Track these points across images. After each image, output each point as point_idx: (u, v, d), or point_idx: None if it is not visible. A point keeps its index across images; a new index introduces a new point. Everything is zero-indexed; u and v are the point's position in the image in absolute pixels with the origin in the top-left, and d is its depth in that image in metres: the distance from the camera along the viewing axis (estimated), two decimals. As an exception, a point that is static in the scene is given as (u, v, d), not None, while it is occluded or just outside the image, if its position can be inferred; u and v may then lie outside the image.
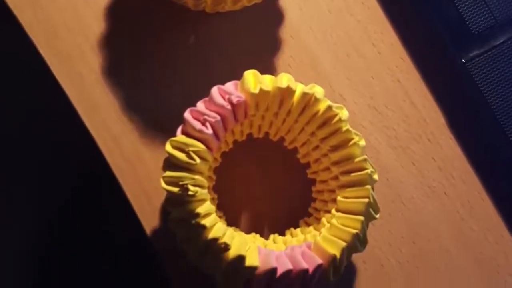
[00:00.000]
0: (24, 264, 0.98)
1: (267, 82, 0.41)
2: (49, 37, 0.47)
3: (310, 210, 0.46)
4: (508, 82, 0.48)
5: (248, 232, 0.44)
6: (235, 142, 0.46)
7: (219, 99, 0.39)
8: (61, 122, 0.81)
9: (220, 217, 0.42)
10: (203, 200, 0.38)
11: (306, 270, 0.38)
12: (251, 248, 0.39)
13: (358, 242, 0.41)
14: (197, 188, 0.37)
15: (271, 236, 0.44)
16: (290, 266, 0.38)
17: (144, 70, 0.48)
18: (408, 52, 0.50)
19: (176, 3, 0.46)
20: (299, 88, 0.41)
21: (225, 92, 0.40)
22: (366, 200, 0.40)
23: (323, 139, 0.42)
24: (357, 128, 0.48)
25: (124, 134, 0.46)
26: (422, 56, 0.50)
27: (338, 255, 0.39)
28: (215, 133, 0.39)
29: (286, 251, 0.40)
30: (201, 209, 0.37)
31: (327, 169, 0.44)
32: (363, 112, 0.49)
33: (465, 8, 0.48)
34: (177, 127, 0.40)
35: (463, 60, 0.48)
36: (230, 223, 0.44)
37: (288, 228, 0.45)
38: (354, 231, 0.40)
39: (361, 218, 0.40)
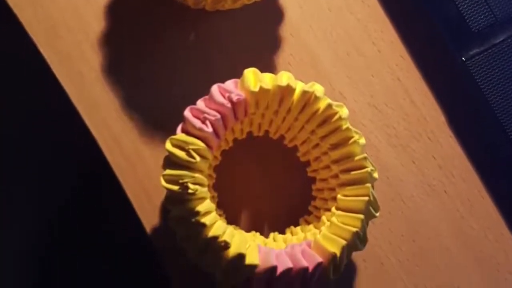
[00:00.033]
0: (24, 263, 0.98)
1: (267, 80, 0.41)
2: (49, 35, 0.47)
3: (310, 208, 0.46)
4: (508, 80, 0.48)
5: (248, 230, 0.44)
6: (235, 140, 0.46)
7: (219, 97, 0.39)
8: (61, 120, 0.81)
9: (220, 215, 0.42)
10: (203, 198, 0.38)
11: (306, 269, 0.38)
12: (251, 246, 0.39)
13: (358, 241, 0.41)
14: (197, 186, 0.37)
15: (271, 234, 0.44)
16: (290, 265, 0.38)
17: (144, 69, 0.48)
18: (408, 51, 0.50)
19: (176, 1, 0.46)
20: (299, 86, 0.41)
21: (225, 90, 0.40)
22: (366, 198, 0.40)
23: (323, 137, 0.42)
24: (357, 126, 0.48)
25: (124, 133, 0.46)
26: (422, 54, 0.50)
27: (338, 254, 0.39)
28: (215, 131, 0.39)
29: (286, 249, 0.40)
30: (201, 207, 0.37)
31: (327, 167, 0.44)
32: (363, 110, 0.49)
33: (465, 6, 0.48)
34: (177, 126, 0.40)
35: (463, 58, 0.48)
36: (230, 221, 0.44)
37: (288, 226, 0.45)
38: (354, 229, 0.40)
39: (361, 216, 0.40)
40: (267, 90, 0.40)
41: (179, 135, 0.39)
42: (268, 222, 0.46)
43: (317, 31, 0.49)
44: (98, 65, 0.47)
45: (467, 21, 0.48)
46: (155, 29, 0.48)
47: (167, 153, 0.39)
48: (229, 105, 0.39)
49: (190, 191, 0.37)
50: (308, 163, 0.46)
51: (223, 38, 0.48)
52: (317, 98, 0.41)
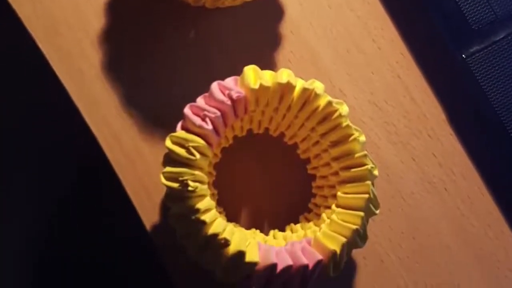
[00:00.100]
0: (24, 260, 0.98)
1: (267, 77, 0.41)
2: (49, 32, 0.47)
3: (310, 205, 0.46)
4: (508, 77, 0.48)
5: (248, 228, 0.44)
6: (235, 137, 0.46)
7: (219, 95, 0.39)
8: (61, 118, 0.81)
9: (220, 212, 0.42)
10: (203, 196, 0.38)
11: (306, 266, 0.38)
12: (251, 244, 0.39)
13: (358, 238, 0.41)
14: (197, 184, 0.37)
15: (271, 232, 0.44)
16: (290, 262, 0.38)
17: (144, 66, 0.47)
18: (408, 48, 0.50)
19: (176, -2, 0.46)
20: (299, 84, 0.41)
21: (225, 88, 0.40)
22: (366, 195, 0.40)
23: (323, 135, 0.42)
24: (357, 123, 0.48)
25: (124, 130, 0.46)
26: (422, 51, 0.50)
27: (338, 251, 0.39)
28: (215, 128, 0.39)
29: (286, 246, 0.40)
30: (201, 205, 0.37)
31: (327, 164, 0.43)
32: (363, 108, 0.49)
33: (466, 3, 0.48)
34: (177, 123, 0.40)
35: (463, 56, 0.48)
36: (230, 219, 0.44)
37: (288, 223, 0.45)
38: (354, 226, 0.40)
39: (361, 213, 0.40)
40: (267, 88, 0.40)
41: (179, 132, 0.39)
42: (268, 220, 0.46)
43: (317, 28, 0.49)
44: (98, 63, 0.47)
45: (467, 18, 0.48)
46: (155, 26, 0.48)
47: (167, 151, 0.39)
48: (229, 102, 0.39)
49: (190, 188, 0.37)
50: (308, 161, 0.46)
51: (223, 35, 0.48)
52: (317, 96, 0.41)
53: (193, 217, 0.37)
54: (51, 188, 0.98)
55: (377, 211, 0.42)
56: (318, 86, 0.41)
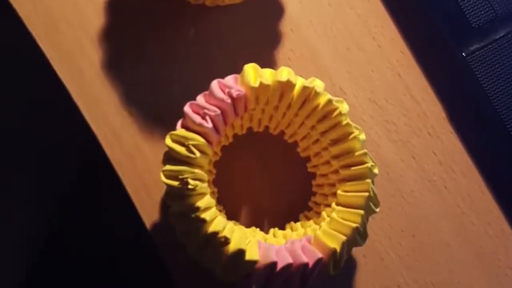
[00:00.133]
0: (24, 260, 0.98)
1: (267, 75, 0.41)
2: (49, 31, 0.47)
3: (310, 204, 0.46)
4: (508, 75, 0.48)
5: (248, 226, 0.44)
6: (235, 136, 0.46)
7: (219, 93, 0.39)
8: (61, 117, 0.81)
9: (220, 211, 0.42)
10: (203, 194, 0.38)
11: (306, 264, 0.38)
12: (251, 242, 0.39)
13: (358, 236, 0.41)
14: (197, 182, 0.37)
15: (271, 230, 0.44)
16: (290, 260, 0.38)
17: (144, 64, 0.47)
18: (409, 46, 0.50)
19: (176, -4, 0.46)
20: (299, 82, 0.41)
21: (225, 86, 0.40)
22: (366, 194, 0.40)
23: (323, 133, 0.42)
24: (357, 122, 0.48)
25: (124, 128, 0.46)
26: (422, 50, 0.50)
27: (338, 249, 0.39)
28: (215, 127, 0.39)
29: (286, 245, 0.40)
30: (201, 203, 0.37)
31: (327, 163, 0.43)
32: (363, 106, 0.49)
33: (466, 1, 0.48)
34: (177, 121, 0.40)
35: (463, 54, 0.48)
36: (230, 217, 0.44)
37: (288, 222, 0.45)
38: (354, 225, 0.40)
39: (361, 212, 0.40)
40: (267, 86, 0.40)
41: (179, 130, 0.39)
42: (268, 218, 0.46)
43: (317, 26, 0.49)
44: (98, 61, 0.47)
45: (467, 16, 0.48)
46: (155, 24, 0.48)
47: (167, 149, 0.39)
48: (229, 100, 0.39)
49: (190, 186, 0.37)
50: (308, 159, 0.46)
51: (223, 33, 0.48)
52: (317, 94, 0.41)
53: (193, 215, 0.37)
54: (51, 187, 0.98)
55: (377, 209, 0.42)
56: (318, 84, 0.41)
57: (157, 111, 0.47)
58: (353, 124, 0.41)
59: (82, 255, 0.98)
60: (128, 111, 0.47)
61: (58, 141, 0.98)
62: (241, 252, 0.37)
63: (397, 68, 0.49)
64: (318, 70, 0.49)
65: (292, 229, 0.44)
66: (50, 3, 0.47)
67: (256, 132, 0.47)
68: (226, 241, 0.37)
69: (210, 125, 0.38)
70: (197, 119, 0.38)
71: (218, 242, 0.37)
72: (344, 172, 0.42)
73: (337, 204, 0.42)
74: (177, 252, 0.43)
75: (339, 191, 0.42)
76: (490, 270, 0.48)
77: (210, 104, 0.39)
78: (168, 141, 0.39)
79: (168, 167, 0.38)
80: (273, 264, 0.37)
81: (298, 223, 0.45)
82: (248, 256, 0.37)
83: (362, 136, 0.42)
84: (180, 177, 0.37)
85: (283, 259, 0.38)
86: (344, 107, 0.42)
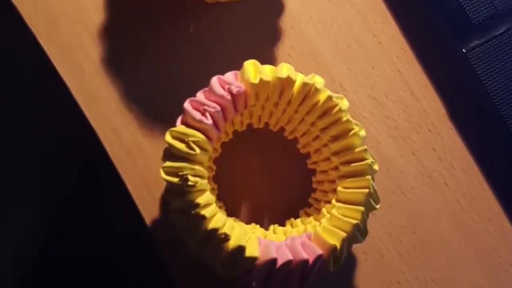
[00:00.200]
0: (24, 259, 0.98)
1: (267, 72, 0.41)
2: (49, 27, 0.47)
3: (310, 200, 0.46)
4: (508, 72, 0.48)
5: (248, 223, 0.44)
6: (235, 132, 0.46)
7: (219, 89, 0.39)
8: (61, 117, 0.81)
9: (220, 207, 0.42)
10: (203, 191, 0.38)
11: (306, 261, 0.38)
12: (251, 239, 0.39)
13: (358, 233, 0.41)
14: (197, 179, 0.37)
15: (271, 227, 0.44)
16: (290, 257, 0.38)
17: (143, 61, 0.47)
18: (409, 42, 0.50)
19: (176, -7, 0.46)
20: (299, 78, 0.41)
21: (225, 82, 0.40)
22: (367, 190, 0.40)
23: (323, 129, 0.42)
24: (357, 118, 0.48)
25: (124, 125, 0.46)
26: (422, 46, 0.50)
27: (338, 246, 0.39)
28: (215, 123, 0.39)
29: (286, 241, 0.40)
30: (201, 200, 0.37)
31: (327, 159, 0.43)
32: (363, 102, 0.49)
33: (466, -2, 0.48)
34: (177, 118, 0.40)
35: (463, 50, 0.48)
36: (230, 214, 0.44)
37: (288, 218, 0.45)
38: (355, 221, 0.40)
39: (362, 208, 0.40)
40: (267, 82, 0.40)
41: (179, 127, 0.39)
42: (268, 214, 0.46)
43: (317, 23, 0.49)
44: (97, 58, 0.47)
45: (468, 12, 0.48)
46: (155, 21, 0.48)
47: (167, 145, 0.39)
48: (229, 97, 0.39)
49: (190, 183, 0.37)
50: (308, 155, 0.46)
51: (223, 30, 0.48)
52: (317, 90, 0.41)
53: (193, 212, 0.37)
54: (51, 187, 0.98)
55: (377, 206, 0.42)
56: (318, 80, 0.41)
57: (157, 107, 0.47)
58: (353, 121, 0.41)
59: (82, 255, 0.98)
60: (128, 106, 0.47)
61: (58, 141, 0.98)
62: (241, 249, 0.37)
63: (397, 65, 0.49)
64: (318, 67, 0.49)
65: (292, 226, 0.44)
66: (50, -1, 0.48)
67: (256, 129, 0.47)
68: (226, 237, 0.37)
69: (210, 121, 0.38)
70: (197, 115, 0.38)
71: (218, 238, 0.37)
72: (344, 169, 0.42)
73: (337, 201, 0.42)
74: (177, 248, 0.43)
75: (339, 188, 0.42)
76: (491, 266, 0.48)
77: (210, 100, 0.39)
78: (168, 137, 0.38)
79: (168, 163, 0.38)
80: (273, 261, 0.37)
81: (298, 220, 0.44)
82: (248, 253, 0.37)
83: (362, 133, 0.42)
84: (180, 173, 0.37)
85: (283, 256, 0.38)
86: (344, 104, 0.41)
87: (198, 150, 0.38)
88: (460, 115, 0.49)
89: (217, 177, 0.45)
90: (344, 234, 0.39)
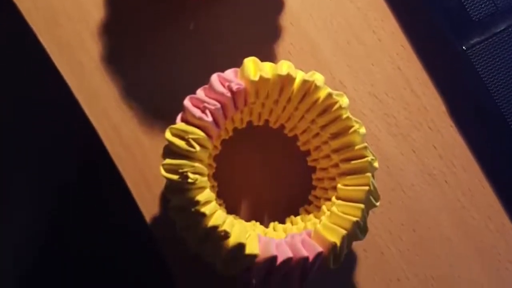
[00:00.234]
0: (24, 259, 0.98)
1: (267, 69, 0.41)
2: (49, 25, 0.47)
3: (310, 197, 0.46)
4: (508, 69, 0.48)
5: (248, 220, 0.44)
6: (235, 129, 0.46)
7: (219, 87, 0.39)
8: (61, 113, 0.81)
9: (220, 204, 0.42)
10: (203, 188, 0.38)
11: (306, 258, 0.38)
12: (251, 236, 0.39)
13: (358, 230, 0.40)
14: (197, 176, 0.37)
15: (271, 224, 0.44)
16: (290, 254, 0.38)
17: (143, 58, 0.47)
18: (409, 40, 0.50)
19: (176, -10, 0.46)
20: (299, 76, 0.41)
21: (225, 80, 0.40)
22: (367, 187, 0.40)
23: (323, 127, 0.42)
24: (357, 115, 0.48)
25: (124, 122, 0.46)
26: (422, 43, 0.50)
27: (338, 243, 0.39)
28: (215, 120, 0.39)
29: (286, 239, 0.40)
30: (201, 197, 0.37)
31: (327, 156, 0.43)
32: (363, 100, 0.49)
33: (466, -5, 0.48)
34: (177, 115, 0.40)
35: (463, 48, 0.48)
36: (230, 211, 0.44)
37: (288, 216, 0.45)
38: (355, 219, 0.39)
39: (362, 206, 0.40)
40: (267, 79, 0.40)
41: (179, 124, 0.39)
42: (268, 212, 0.46)
43: (317, 20, 0.49)
44: (97, 55, 0.47)
45: (468, 10, 0.48)
46: (155, 19, 0.48)
47: (166, 143, 0.39)
48: (229, 94, 0.39)
49: (190, 180, 0.37)
50: (308, 153, 0.46)
51: (223, 27, 0.48)
52: (317, 87, 0.41)
53: (193, 209, 0.37)
54: (51, 180, 0.98)
55: (377, 203, 0.42)
56: (318, 78, 0.41)
57: (157, 105, 0.47)
58: (353, 118, 0.41)
59: (82, 254, 0.98)
60: (128, 104, 0.47)
61: (58, 141, 0.98)
62: (241, 246, 0.37)
63: (397, 62, 0.49)
64: (318, 64, 0.49)
65: (292, 223, 0.44)
66: (50, -4, 0.48)
67: (256, 126, 0.47)
68: (226, 235, 0.37)
69: (210, 119, 0.38)
70: (197, 113, 0.38)
71: (218, 236, 0.37)
72: (344, 166, 0.42)
73: (337, 198, 0.42)
74: (177, 246, 0.43)
75: (339, 185, 0.42)
76: (491, 264, 0.48)
77: (210, 98, 0.39)
78: (168, 135, 0.38)
79: (168, 161, 0.38)
80: (273, 258, 0.37)
81: (298, 217, 0.44)
82: (248, 250, 0.37)
83: (362, 130, 0.42)
84: (180, 171, 0.37)
85: (283, 253, 0.38)
86: (344, 101, 0.41)
87: (198, 148, 0.38)
88: (460, 112, 0.49)
89: (217, 175, 0.45)
90: (344, 232, 0.39)
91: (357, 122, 0.42)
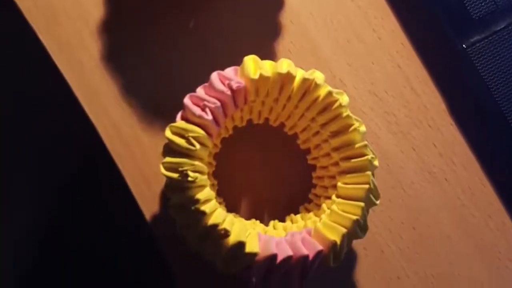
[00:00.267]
0: (24, 259, 0.98)
1: (267, 67, 0.40)
2: (49, 23, 0.47)
3: (311, 196, 0.46)
4: (509, 67, 0.48)
5: (248, 218, 0.44)
6: (235, 128, 0.46)
7: (219, 85, 0.39)
8: (61, 112, 0.81)
9: (220, 203, 0.42)
10: (202, 186, 0.38)
11: (307, 256, 0.38)
12: (251, 234, 0.39)
13: (358, 228, 0.40)
14: (196, 174, 0.37)
15: (271, 222, 0.44)
16: (290, 253, 0.38)
17: (143, 56, 0.47)
18: (409, 38, 0.50)
19: (175, -12, 0.46)
20: (299, 74, 0.41)
21: (225, 78, 0.40)
22: (367, 186, 0.40)
23: (324, 125, 0.42)
24: (357, 113, 0.48)
25: (124, 120, 0.46)
26: (422, 41, 0.50)
27: (338, 241, 0.39)
28: (215, 119, 0.39)
29: (286, 237, 0.40)
30: (201, 195, 0.37)
31: (328, 155, 0.43)
32: (363, 98, 0.49)
33: (466, -7, 0.48)
34: (177, 113, 0.40)
35: (463, 46, 0.48)
36: (230, 209, 0.44)
37: (288, 214, 0.45)
38: (355, 217, 0.39)
39: (362, 204, 0.40)
40: (267, 78, 0.39)
41: (179, 122, 0.39)
42: (268, 210, 0.46)
43: (318, 18, 0.49)
44: (97, 53, 0.47)
45: (468, 8, 0.48)
46: (155, 16, 0.48)
47: (166, 141, 0.39)
48: (229, 92, 0.39)
49: (190, 178, 0.37)
50: (308, 151, 0.46)
51: (223, 25, 0.48)
52: (317, 86, 0.41)
53: (193, 208, 0.37)
54: (51, 178, 0.98)
55: (378, 202, 0.42)
56: (318, 76, 0.41)
57: (156, 103, 0.47)
58: (353, 116, 0.41)
59: (82, 254, 0.98)
60: (128, 102, 0.47)
61: (58, 141, 0.98)
62: (241, 245, 0.37)
63: (397, 60, 0.49)
64: (318, 62, 0.49)
65: (292, 221, 0.44)
66: (50, -5, 0.48)
67: (256, 124, 0.47)
68: (226, 233, 0.37)
69: (210, 117, 0.38)
70: (197, 111, 0.38)
71: (218, 234, 0.37)
72: (344, 164, 0.42)
73: (337, 196, 0.42)
74: (177, 244, 0.43)
75: (339, 183, 0.42)
76: (491, 262, 0.48)
77: (210, 96, 0.39)
78: (167, 133, 0.38)
79: (167, 159, 0.38)
80: (273, 257, 0.37)
81: (298, 215, 0.44)
82: (248, 249, 0.37)
83: (362, 128, 0.42)
84: (180, 169, 0.37)
85: (283, 252, 0.38)
86: (344, 99, 0.41)
87: (198, 146, 0.38)
88: (460, 110, 0.49)
89: (217, 173, 0.45)
90: (344, 230, 0.39)
91: (357, 120, 0.42)
